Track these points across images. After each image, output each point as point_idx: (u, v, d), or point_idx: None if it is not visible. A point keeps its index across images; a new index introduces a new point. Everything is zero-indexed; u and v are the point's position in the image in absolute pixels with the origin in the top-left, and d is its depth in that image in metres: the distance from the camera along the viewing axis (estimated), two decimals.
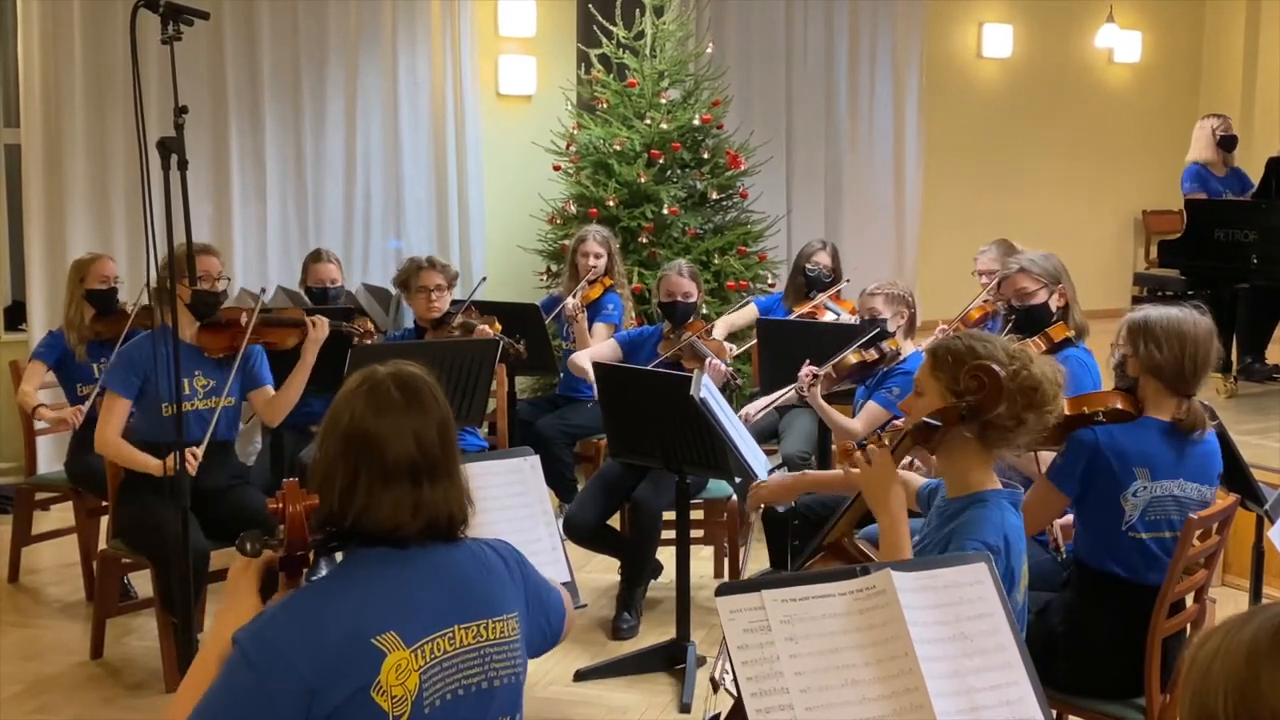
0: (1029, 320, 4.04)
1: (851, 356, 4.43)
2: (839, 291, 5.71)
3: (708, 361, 4.73)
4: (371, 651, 1.79)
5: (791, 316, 5.62)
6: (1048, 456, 3.17)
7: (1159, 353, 3.00)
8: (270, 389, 4.30)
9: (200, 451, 3.92)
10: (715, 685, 2.62)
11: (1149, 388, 3.07)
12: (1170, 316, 3.05)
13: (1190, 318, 3.06)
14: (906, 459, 2.66)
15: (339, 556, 1.92)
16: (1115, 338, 3.19)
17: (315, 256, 5.82)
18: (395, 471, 1.89)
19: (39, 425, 5.18)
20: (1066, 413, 3.03)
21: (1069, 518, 3.30)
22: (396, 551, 1.90)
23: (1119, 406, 3.09)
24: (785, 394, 4.69)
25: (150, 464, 3.95)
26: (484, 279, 5.68)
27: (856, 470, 2.44)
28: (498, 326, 4.94)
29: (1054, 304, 4.18)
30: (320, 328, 4.34)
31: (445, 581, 1.92)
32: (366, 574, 1.89)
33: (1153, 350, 3.01)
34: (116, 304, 4.95)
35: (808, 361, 4.49)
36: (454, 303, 5.12)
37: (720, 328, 5.81)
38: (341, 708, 1.76)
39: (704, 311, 6.31)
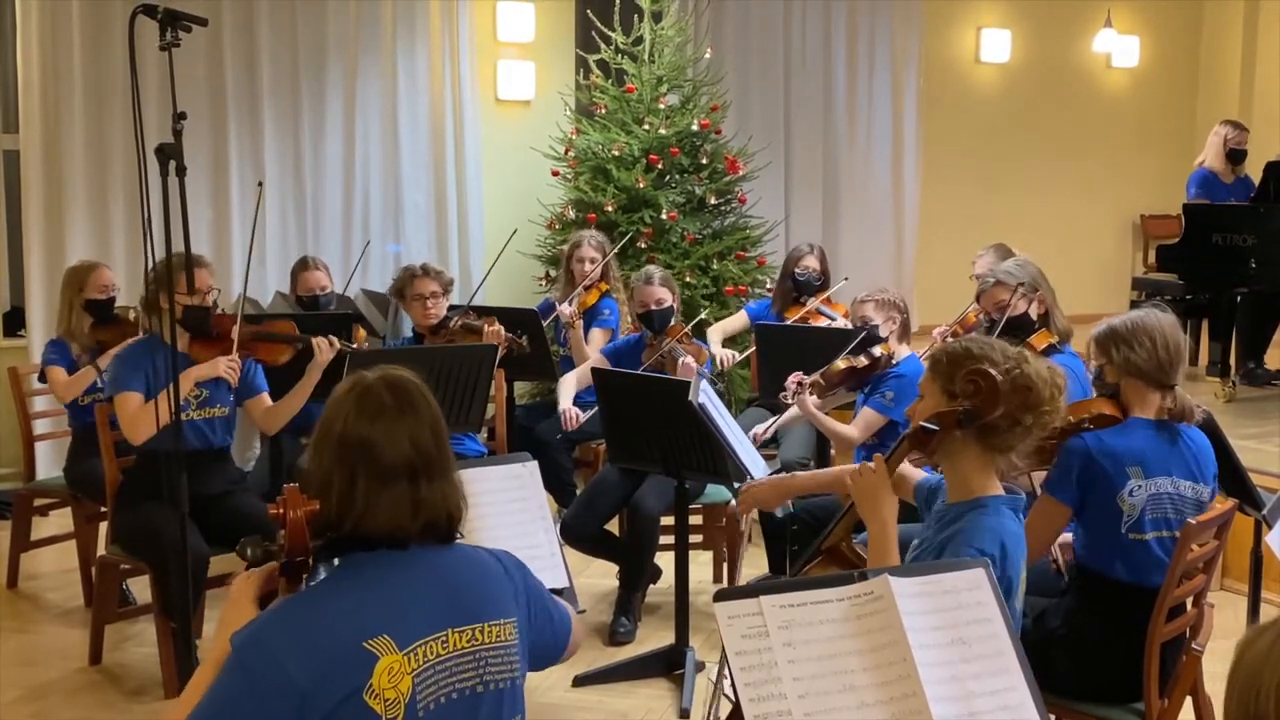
0: (1010, 331, 4.05)
1: (840, 363, 4.42)
2: (830, 295, 5.69)
3: (680, 362, 4.74)
4: (364, 655, 1.80)
5: (785, 322, 5.60)
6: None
7: (1134, 352, 3.07)
8: (267, 397, 4.30)
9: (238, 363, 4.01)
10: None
11: (1131, 389, 3.12)
12: (1133, 317, 3.15)
13: (1152, 314, 3.16)
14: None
15: (337, 561, 1.93)
16: (1086, 352, 3.24)
17: (303, 264, 5.81)
18: (392, 473, 1.90)
19: (43, 428, 5.19)
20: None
21: (1067, 535, 3.30)
22: (393, 554, 1.91)
23: (1105, 412, 3.13)
24: (787, 413, 4.72)
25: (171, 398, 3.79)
26: (515, 231, 5.81)
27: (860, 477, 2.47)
28: (497, 325, 4.94)
29: (1034, 312, 4.19)
30: (327, 351, 4.30)
31: (440, 584, 1.92)
32: (361, 577, 1.89)
33: (1127, 352, 3.08)
34: (114, 312, 4.94)
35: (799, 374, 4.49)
36: (452, 308, 5.12)
37: (714, 335, 5.82)
38: (335, 711, 1.77)
39: (701, 315, 6.35)
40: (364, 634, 1.81)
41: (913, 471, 2.87)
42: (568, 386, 5.26)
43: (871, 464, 2.46)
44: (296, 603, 1.89)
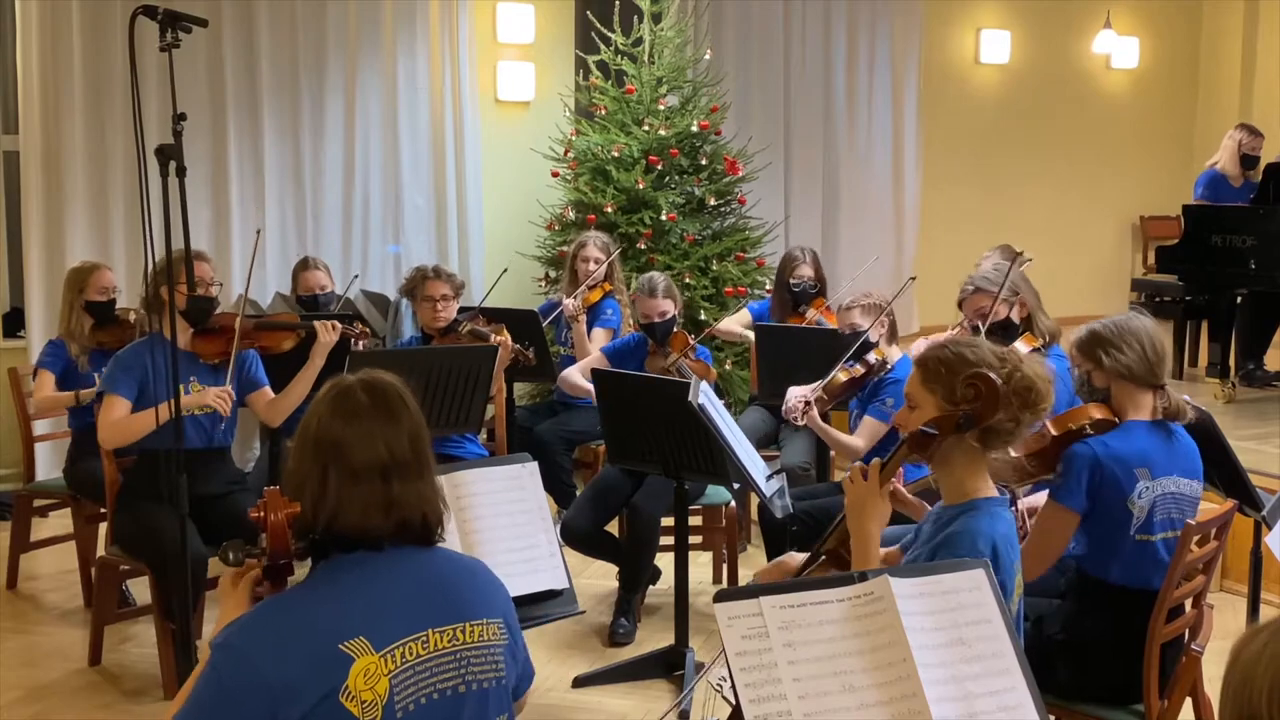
0: (994, 337, 4.04)
1: (840, 375, 4.40)
2: (827, 305, 5.63)
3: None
4: (339, 657, 1.80)
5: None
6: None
7: (1123, 355, 3.07)
8: (269, 390, 4.31)
9: (229, 393, 4.03)
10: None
11: (1122, 392, 3.11)
12: (1116, 321, 3.15)
13: (1135, 316, 3.19)
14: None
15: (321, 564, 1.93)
16: (1070, 358, 3.25)
17: (303, 264, 5.84)
18: (364, 471, 1.90)
19: (43, 429, 5.19)
20: (1053, 433, 3.06)
21: (1032, 500, 3.32)
22: (371, 555, 1.90)
23: (1100, 416, 3.12)
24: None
25: (155, 417, 3.72)
26: (505, 271, 5.93)
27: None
28: (507, 334, 4.94)
29: (1016, 316, 4.18)
30: (330, 332, 4.33)
31: (420, 585, 1.92)
32: (339, 579, 1.89)
33: (1116, 356, 3.08)
34: (115, 314, 4.94)
35: (798, 397, 4.47)
36: (462, 310, 5.12)
37: (725, 326, 5.83)
38: (311, 713, 1.77)
39: (702, 318, 6.36)
40: (340, 636, 1.81)
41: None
42: (576, 380, 5.26)
43: (866, 468, 2.45)
44: (273, 605, 1.89)
